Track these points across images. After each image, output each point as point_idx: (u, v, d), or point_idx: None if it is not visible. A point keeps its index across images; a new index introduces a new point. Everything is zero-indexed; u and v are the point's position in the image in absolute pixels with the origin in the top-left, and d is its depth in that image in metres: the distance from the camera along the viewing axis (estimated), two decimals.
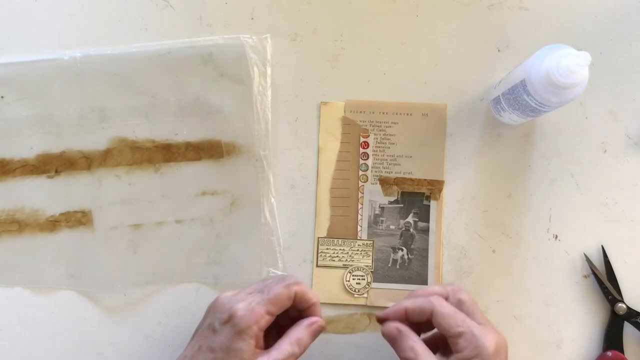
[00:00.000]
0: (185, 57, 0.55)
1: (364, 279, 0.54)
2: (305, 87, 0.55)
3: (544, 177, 0.54)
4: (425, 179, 0.55)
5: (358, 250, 0.54)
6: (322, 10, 0.56)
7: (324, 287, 0.54)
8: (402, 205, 0.55)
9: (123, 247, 0.54)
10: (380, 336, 0.49)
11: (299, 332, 0.45)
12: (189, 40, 0.55)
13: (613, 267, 0.53)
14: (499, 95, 0.51)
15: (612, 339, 0.52)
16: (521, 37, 0.55)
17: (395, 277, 0.54)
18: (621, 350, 0.52)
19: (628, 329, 0.52)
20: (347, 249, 0.54)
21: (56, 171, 0.54)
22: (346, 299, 0.54)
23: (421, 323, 0.46)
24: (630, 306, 0.52)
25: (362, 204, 0.55)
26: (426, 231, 0.54)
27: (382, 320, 0.47)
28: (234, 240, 0.54)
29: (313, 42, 0.56)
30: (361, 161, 0.55)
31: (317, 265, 0.54)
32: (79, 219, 0.54)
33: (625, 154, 0.54)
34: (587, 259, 0.53)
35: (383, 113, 0.55)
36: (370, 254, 0.54)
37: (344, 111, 0.55)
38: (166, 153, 0.54)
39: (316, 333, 0.46)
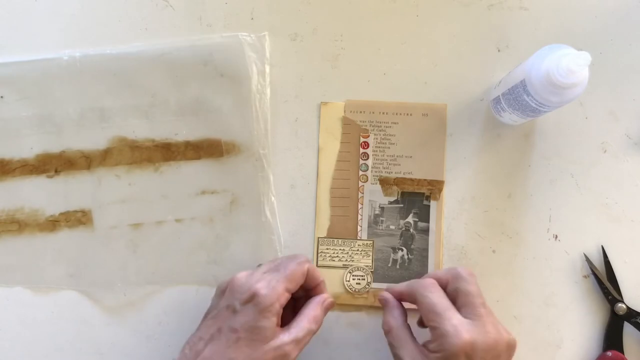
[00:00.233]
0: (185, 57, 0.55)
1: (364, 279, 0.54)
2: (305, 87, 0.55)
3: (544, 177, 0.54)
4: (425, 179, 0.55)
5: (358, 250, 0.54)
6: (322, 10, 0.56)
7: None
8: (402, 205, 0.55)
9: (123, 246, 0.54)
10: (380, 337, 0.49)
11: (314, 309, 0.47)
12: (189, 40, 0.55)
13: (613, 267, 0.53)
14: (499, 95, 0.51)
15: (612, 339, 0.52)
16: (521, 37, 0.55)
17: (395, 277, 0.54)
18: (621, 350, 0.52)
19: (628, 329, 0.52)
20: (347, 249, 0.54)
21: (56, 171, 0.54)
22: (346, 299, 0.54)
23: None
24: (630, 306, 0.52)
25: (362, 204, 0.55)
26: (426, 231, 0.54)
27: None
28: (234, 240, 0.54)
29: (313, 42, 0.56)
30: (361, 161, 0.55)
31: (317, 265, 0.54)
32: (78, 218, 0.54)
33: (625, 154, 0.54)
34: (587, 259, 0.53)
35: (383, 113, 0.55)
36: (370, 254, 0.54)
37: (344, 111, 0.55)
38: (166, 152, 0.54)
39: (328, 309, 0.48)
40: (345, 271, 0.54)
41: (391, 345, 0.47)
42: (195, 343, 0.45)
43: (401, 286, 0.49)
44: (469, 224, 0.54)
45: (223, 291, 0.47)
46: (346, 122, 0.55)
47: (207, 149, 0.54)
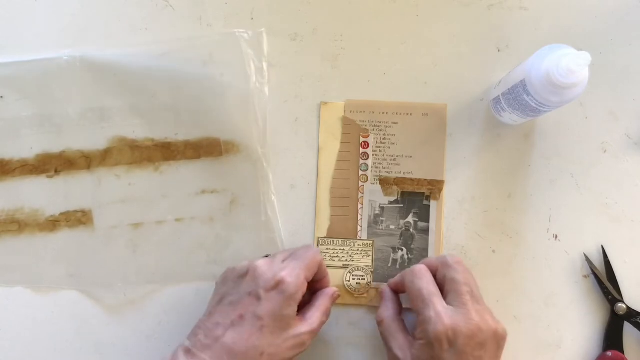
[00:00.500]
0: (185, 57, 0.55)
1: (364, 279, 0.54)
2: (305, 87, 0.55)
3: (544, 177, 0.54)
4: (425, 179, 0.55)
5: (358, 250, 0.54)
6: (322, 10, 0.56)
7: None
8: (402, 205, 0.55)
9: (123, 246, 0.54)
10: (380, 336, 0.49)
11: (325, 301, 0.48)
12: (188, 40, 0.55)
13: (613, 267, 0.53)
14: (499, 95, 0.51)
15: (612, 339, 0.52)
16: (521, 37, 0.55)
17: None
18: (621, 350, 0.52)
19: (628, 329, 0.52)
20: (347, 249, 0.54)
21: (56, 171, 0.54)
22: (346, 298, 0.54)
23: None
24: (630, 306, 0.52)
25: (362, 204, 0.55)
26: (426, 231, 0.54)
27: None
28: (234, 239, 0.54)
29: (313, 42, 0.56)
30: (361, 161, 0.55)
31: None
32: (79, 218, 0.54)
33: (625, 154, 0.54)
34: (587, 259, 0.53)
35: (383, 113, 0.55)
36: (370, 254, 0.54)
37: (344, 111, 0.55)
38: (165, 152, 0.54)
39: (335, 301, 0.50)
40: (345, 271, 0.54)
41: (383, 336, 0.48)
42: (211, 329, 0.45)
43: (397, 277, 0.50)
44: (469, 224, 0.54)
45: (242, 276, 0.46)
46: (346, 122, 0.55)
47: (207, 149, 0.54)
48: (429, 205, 0.54)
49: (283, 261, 0.47)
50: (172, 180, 0.54)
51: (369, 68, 0.55)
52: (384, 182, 0.55)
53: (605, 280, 0.53)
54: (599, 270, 0.53)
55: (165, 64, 0.55)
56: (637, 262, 0.53)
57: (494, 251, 0.54)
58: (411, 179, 0.55)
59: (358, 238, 0.54)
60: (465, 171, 0.55)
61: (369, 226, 0.54)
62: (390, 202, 0.55)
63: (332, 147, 0.55)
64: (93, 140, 0.54)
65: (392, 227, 0.54)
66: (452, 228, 0.54)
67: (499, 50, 0.55)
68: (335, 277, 0.54)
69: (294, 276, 0.45)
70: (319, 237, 0.54)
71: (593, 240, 0.54)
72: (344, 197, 0.55)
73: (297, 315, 0.46)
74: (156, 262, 0.54)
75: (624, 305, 0.52)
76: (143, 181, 0.54)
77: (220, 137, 0.54)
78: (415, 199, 0.55)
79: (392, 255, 0.54)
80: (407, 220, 0.54)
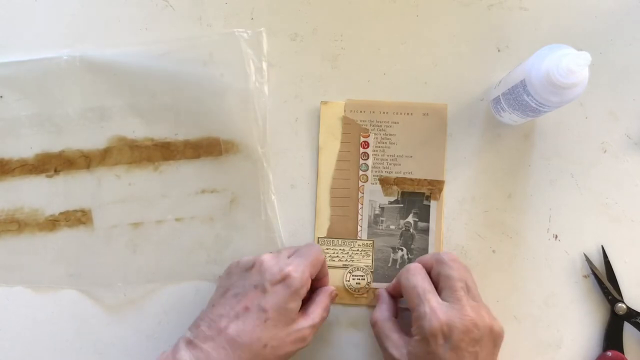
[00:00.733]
0: (185, 57, 0.55)
1: (364, 279, 0.54)
2: (305, 87, 0.55)
3: (544, 177, 0.54)
4: (425, 179, 0.55)
5: (358, 250, 0.54)
6: (322, 10, 0.56)
7: None
8: (402, 205, 0.55)
9: (123, 246, 0.54)
10: None
11: (325, 299, 0.49)
12: (188, 40, 0.55)
13: (613, 267, 0.53)
14: (499, 95, 0.51)
15: (612, 339, 0.52)
16: (521, 37, 0.55)
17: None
18: (621, 350, 0.52)
19: (628, 329, 0.52)
20: (347, 249, 0.54)
21: (55, 170, 0.54)
22: (346, 299, 0.54)
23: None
24: (630, 306, 0.52)
25: (362, 204, 0.55)
26: (426, 231, 0.54)
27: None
28: (234, 239, 0.54)
29: (313, 42, 0.56)
30: (361, 161, 0.55)
31: None
32: (78, 218, 0.54)
33: (625, 154, 0.54)
34: (587, 259, 0.53)
35: (383, 113, 0.55)
36: (370, 254, 0.54)
37: (344, 111, 0.55)
38: (165, 151, 0.54)
39: (333, 300, 0.51)
40: (345, 271, 0.54)
41: (377, 338, 0.48)
42: (215, 320, 0.45)
43: (394, 279, 0.51)
44: (469, 224, 0.54)
45: (247, 269, 0.47)
46: (346, 122, 0.55)
47: (207, 148, 0.54)
48: (429, 205, 0.54)
49: (288, 257, 0.47)
50: (171, 179, 0.54)
51: (369, 68, 0.55)
52: (384, 182, 0.55)
53: (605, 280, 0.53)
54: (599, 270, 0.53)
55: (165, 63, 0.55)
56: (637, 262, 0.53)
57: (494, 251, 0.54)
58: (411, 179, 0.55)
59: (358, 238, 0.54)
60: (466, 171, 0.55)
61: (369, 226, 0.54)
62: (390, 202, 0.55)
63: (332, 147, 0.55)
64: (93, 139, 0.54)
65: (392, 227, 0.54)
66: (452, 228, 0.54)
67: (499, 50, 0.55)
68: (335, 277, 0.54)
69: (300, 271, 0.46)
70: (318, 237, 0.54)
71: (593, 240, 0.54)
72: (344, 197, 0.55)
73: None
74: (156, 262, 0.54)
75: (624, 305, 0.52)
76: (143, 181, 0.54)
77: (220, 136, 0.54)
78: (415, 199, 0.55)
79: (392, 255, 0.54)
80: (407, 220, 0.54)
